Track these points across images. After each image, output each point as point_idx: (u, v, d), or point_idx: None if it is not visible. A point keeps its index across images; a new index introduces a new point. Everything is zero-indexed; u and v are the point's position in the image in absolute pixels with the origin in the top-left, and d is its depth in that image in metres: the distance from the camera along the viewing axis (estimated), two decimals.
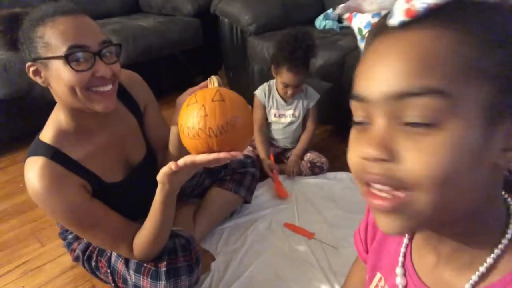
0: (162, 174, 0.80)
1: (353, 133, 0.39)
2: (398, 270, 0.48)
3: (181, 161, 0.76)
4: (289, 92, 1.60)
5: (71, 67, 0.75)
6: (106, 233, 0.91)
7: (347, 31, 2.09)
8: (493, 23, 0.32)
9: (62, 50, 0.75)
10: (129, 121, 1.00)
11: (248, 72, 2.21)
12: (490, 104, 0.31)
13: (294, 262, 1.22)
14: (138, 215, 0.96)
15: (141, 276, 0.96)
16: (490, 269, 0.38)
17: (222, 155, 0.74)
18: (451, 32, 0.32)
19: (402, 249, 0.49)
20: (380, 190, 0.35)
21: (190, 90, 0.92)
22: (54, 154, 0.84)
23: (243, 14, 2.07)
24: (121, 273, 1.01)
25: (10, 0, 2.22)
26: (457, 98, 0.31)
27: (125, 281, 1.00)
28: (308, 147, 1.72)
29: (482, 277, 0.38)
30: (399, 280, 0.48)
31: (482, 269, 0.37)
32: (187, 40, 2.47)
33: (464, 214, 0.36)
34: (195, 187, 1.37)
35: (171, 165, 0.77)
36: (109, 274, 1.04)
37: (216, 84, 0.82)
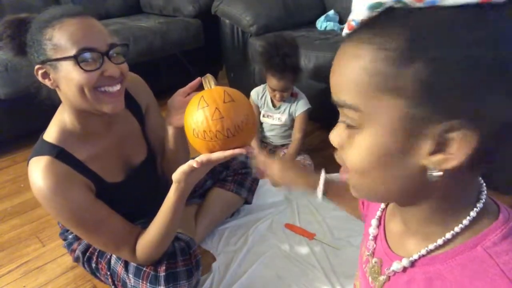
0: (180, 173, 0.81)
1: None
2: (371, 230, 0.53)
3: (198, 160, 0.77)
4: (277, 96, 1.64)
5: (80, 67, 0.77)
6: (108, 235, 0.91)
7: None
8: (415, 35, 0.32)
9: (71, 52, 0.76)
10: (131, 123, 1.02)
11: (249, 73, 2.21)
12: (405, 116, 0.34)
13: (295, 262, 1.22)
14: (137, 216, 0.97)
15: (140, 280, 0.96)
16: (447, 242, 0.42)
17: (237, 151, 0.77)
18: (370, 49, 0.34)
19: (378, 213, 0.54)
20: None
21: (181, 91, 0.94)
22: (59, 153, 0.84)
23: (244, 15, 2.08)
24: (121, 276, 1.01)
25: (11, 0, 2.23)
26: (369, 112, 0.36)
27: (124, 284, 1.00)
28: (295, 155, 1.71)
29: (438, 248, 0.42)
30: (371, 244, 0.53)
31: (439, 241, 0.42)
32: (188, 40, 2.48)
33: (408, 199, 0.42)
34: (197, 188, 1.37)
35: (192, 163, 0.78)
36: (109, 277, 1.04)
37: (213, 83, 0.82)
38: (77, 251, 1.09)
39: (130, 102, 1.00)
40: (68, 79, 0.78)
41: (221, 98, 0.76)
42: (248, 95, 2.32)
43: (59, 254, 1.31)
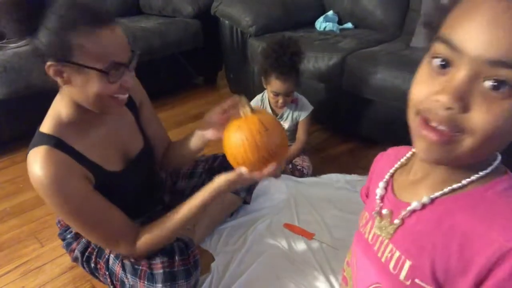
0: (226, 181, 0.89)
1: (426, 69, 0.42)
2: (378, 191, 0.57)
3: (244, 173, 0.86)
4: (280, 101, 1.59)
5: (107, 80, 0.79)
6: (106, 228, 0.91)
7: (347, 33, 2.10)
8: None
9: (100, 64, 0.77)
10: (125, 115, 1.03)
11: (248, 74, 2.22)
12: None
13: (294, 262, 1.22)
14: (132, 213, 0.97)
15: (138, 279, 0.96)
16: (461, 187, 0.46)
17: (272, 171, 0.86)
18: None
19: (386, 176, 0.58)
20: (437, 127, 0.40)
21: (218, 109, 1.00)
22: (57, 143, 0.84)
23: (244, 15, 2.08)
24: (119, 276, 1.01)
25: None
26: None
27: (123, 283, 1.00)
28: (297, 155, 1.72)
29: (450, 191, 0.47)
30: (377, 203, 0.56)
31: (455, 185, 0.46)
32: (187, 41, 2.48)
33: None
34: (195, 188, 1.37)
35: (237, 175, 0.87)
36: (107, 276, 1.04)
37: (248, 108, 0.88)
38: (76, 251, 1.09)
39: None
40: (88, 85, 0.79)
41: (257, 129, 0.84)
42: (248, 95, 2.32)
43: (58, 255, 1.31)
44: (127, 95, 0.87)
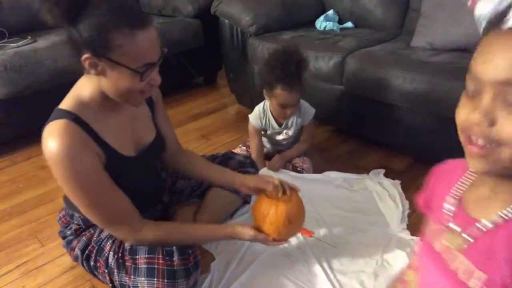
0: (248, 234, 1.04)
1: (464, 97, 0.52)
2: (447, 206, 0.60)
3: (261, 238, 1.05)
4: (288, 112, 1.55)
5: (140, 78, 0.85)
6: (111, 208, 0.93)
7: (347, 32, 2.10)
8: None
9: (137, 64, 0.83)
10: (143, 107, 1.08)
11: (248, 73, 2.21)
12: None
13: (294, 261, 1.22)
14: (139, 199, 1.00)
15: (138, 277, 0.97)
16: None
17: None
18: None
19: (455, 192, 0.61)
20: (476, 141, 0.48)
21: (257, 186, 1.15)
22: (75, 118, 0.88)
23: (244, 15, 2.08)
24: (118, 274, 1.01)
25: (11, 0, 2.23)
26: None
27: (122, 281, 1.00)
28: (298, 156, 1.72)
29: None
30: (448, 206, 0.60)
31: None
32: (187, 41, 2.48)
33: None
34: (195, 188, 1.37)
35: (261, 237, 1.05)
36: (106, 274, 1.04)
37: (280, 194, 1.10)
38: (76, 249, 1.09)
39: None
40: (120, 80, 0.85)
41: (282, 221, 1.04)
42: (247, 95, 2.33)
43: (58, 254, 1.31)
44: (153, 91, 0.93)
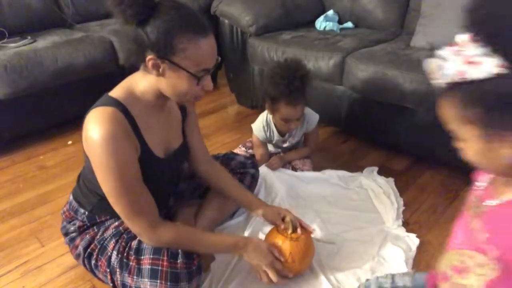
0: (257, 257, 1.05)
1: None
2: (479, 184, 0.72)
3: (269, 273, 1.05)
4: (292, 126, 1.54)
5: (196, 83, 0.90)
6: (135, 198, 0.94)
7: (347, 32, 2.10)
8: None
9: (195, 69, 0.88)
10: (175, 113, 1.14)
11: (248, 73, 2.21)
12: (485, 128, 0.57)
13: None
14: (158, 197, 1.03)
15: (141, 278, 0.97)
16: None
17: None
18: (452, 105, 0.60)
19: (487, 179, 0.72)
20: None
21: (274, 221, 1.19)
22: (123, 109, 0.92)
23: (243, 15, 2.08)
24: (120, 273, 1.01)
25: (10, 0, 2.23)
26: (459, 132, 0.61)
27: (124, 280, 1.00)
28: (298, 159, 1.71)
29: None
30: (481, 183, 0.72)
31: None
32: None
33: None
34: (196, 189, 1.37)
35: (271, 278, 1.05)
36: (108, 274, 1.04)
37: (290, 229, 1.13)
38: (79, 247, 1.09)
39: None
40: (178, 82, 0.90)
41: (285, 259, 1.09)
42: (247, 95, 2.33)
43: (58, 254, 1.31)
44: (204, 94, 0.97)
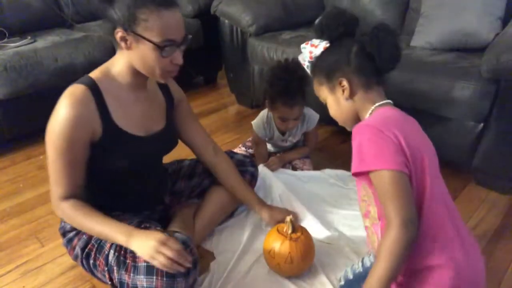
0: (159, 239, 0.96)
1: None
2: None
3: None
4: (289, 126, 1.55)
5: (160, 54, 0.93)
6: (60, 169, 1.00)
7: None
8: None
9: (157, 39, 0.92)
10: (159, 97, 1.17)
11: (248, 73, 2.21)
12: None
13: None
14: (144, 179, 1.10)
15: (137, 275, 0.96)
16: None
17: None
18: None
19: None
20: None
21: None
22: (92, 85, 0.99)
23: (244, 15, 2.08)
24: (118, 271, 1.01)
25: (11, 0, 2.23)
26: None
27: (121, 279, 1.00)
28: (298, 158, 1.72)
29: None
30: None
31: None
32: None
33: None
34: (194, 188, 1.37)
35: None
36: (106, 273, 1.04)
37: (290, 229, 1.13)
38: (76, 248, 1.09)
39: (164, 87, 1.19)
40: (144, 55, 0.95)
41: (284, 259, 1.10)
42: (247, 95, 2.33)
43: (58, 254, 1.31)
44: (176, 71, 1.02)
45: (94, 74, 1.02)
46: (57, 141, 0.97)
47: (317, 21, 0.95)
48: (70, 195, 1.03)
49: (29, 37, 2.08)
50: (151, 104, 1.12)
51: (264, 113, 1.66)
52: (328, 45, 0.91)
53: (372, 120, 0.84)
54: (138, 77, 1.03)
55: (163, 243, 0.94)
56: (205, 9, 2.43)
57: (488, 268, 1.20)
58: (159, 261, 0.92)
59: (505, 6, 1.69)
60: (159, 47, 0.92)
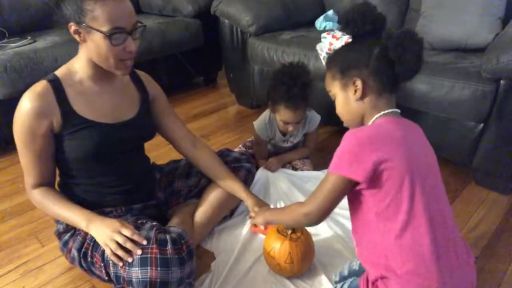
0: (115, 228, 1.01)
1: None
2: None
3: None
4: (290, 128, 1.55)
5: (110, 42, 0.95)
6: (31, 159, 1.07)
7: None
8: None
9: (105, 27, 0.93)
10: (130, 89, 1.20)
11: (248, 73, 2.21)
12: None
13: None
14: (123, 166, 1.15)
15: (132, 268, 0.96)
16: None
17: None
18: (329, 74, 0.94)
19: None
20: None
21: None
22: (54, 80, 1.04)
23: (243, 15, 2.08)
24: (113, 266, 1.01)
25: (11, 0, 2.23)
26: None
27: (117, 272, 1.00)
28: (298, 159, 1.72)
29: None
30: None
31: None
32: (187, 40, 2.48)
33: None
34: (192, 188, 1.37)
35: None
36: (102, 268, 1.04)
37: (289, 231, 1.13)
38: (72, 250, 1.10)
39: (137, 79, 1.22)
40: (97, 45, 0.97)
41: (284, 259, 1.10)
42: (247, 95, 2.33)
43: (58, 255, 1.31)
44: (131, 61, 1.04)
45: (60, 70, 1.07)
46: (20, 134, 1.06)
47: (344, 12, 0.89)
48: (40, 184, 1.10)
49: (29, 37, 2.08)
50: (119, 94, 1.15)
51: (266, 114, 1.66)
52: (350, 40, 0.88)
53: (367, 132, 0.83)
54: (98, 69, 1.05)
55: (117, 231, 0.98)
56: (205, 9, 2.44)
57: (488, 268, 1.21)
58: (110, 248, 0.97)
59: (505, 6, 1.68)
60: (108, 36, 0.94)
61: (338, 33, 0.90)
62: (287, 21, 2.18)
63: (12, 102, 1.86)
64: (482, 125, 1.45)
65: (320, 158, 1.79)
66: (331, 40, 0.90)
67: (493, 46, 1.47)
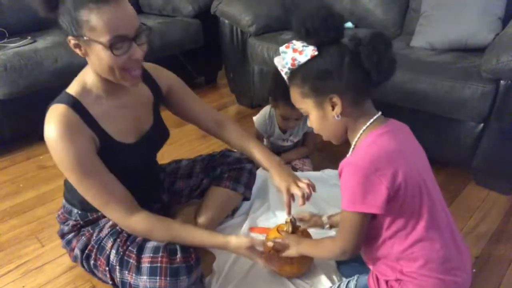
0: (243, 248, 1.00)
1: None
2: None
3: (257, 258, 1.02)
4: (291, 124, 1.56)
5: (112, 52, 0.86)
6: (101, 190, 0.96)
7: (346, 32, 2.09)
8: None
9: (106, 38, 0.84)
10: (145, 93, 1.12)
11: (248, 73, 2.21)
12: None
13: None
14: (136, 184, 1.04)
15: (140, 275, 0.97)
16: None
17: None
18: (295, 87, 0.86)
19: None
20: None
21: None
22: (75, 104, 0.94)
23: (243, 15, 2.08)
24: (120, 271, 1.01)
25: (11, 0, 2.23)
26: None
27: (123, 279, 1.00)
28: (298, 159, 1.72)
29: None
30: None
31: None
32: (187, 41, 2.48)
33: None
34: (193, 188, 1.37)
35: (255, 257, 1.01)
36: (107, 272, 1.04)
37: (290, 228, 1.12)
38: (75, 249, 1.09)
39: (148, 79, 1.13)
40: (99, 57, 0.88)
41: (284, 259, 1.07)
42: (247, 95, 2.33)
43: (58, 255, 1.31)
44: (139, 70, 0.95)
45: (71, 88, 0.97)
46: (72, 164, 0.92)
47: (298, 20, 0.79)
48: (131, 206, 0.99)
49: (29, 37, 2.08)
50: (136, 104, 1.08)
51: (267, 109, 1.66)
52: (315, 52, 0.78)
53: (367, 158, 0.77)
54: (110, 83, 0.96)
55: (249, 256, 1.02)
56: (205, 9, 2.43)
57: (488, 268, 1.21)
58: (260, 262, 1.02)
59: (505, 6, 1.69)
60: (109, 46, 0.85)
61: (298, 45, 0.80)
62: (287, 21, 2.18)
63: (12, 102, 1.88)
64: (482, 125, 1.45)
65: (321, 158, 1.79)
66: (293, 54, 0.80)
67: (493, 46, 1.47)
